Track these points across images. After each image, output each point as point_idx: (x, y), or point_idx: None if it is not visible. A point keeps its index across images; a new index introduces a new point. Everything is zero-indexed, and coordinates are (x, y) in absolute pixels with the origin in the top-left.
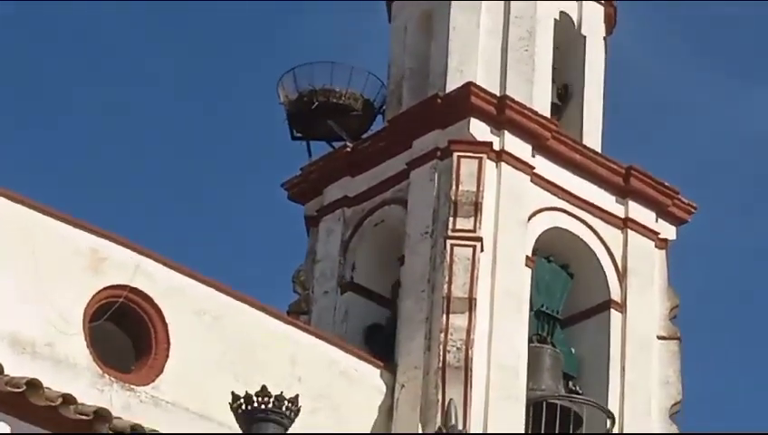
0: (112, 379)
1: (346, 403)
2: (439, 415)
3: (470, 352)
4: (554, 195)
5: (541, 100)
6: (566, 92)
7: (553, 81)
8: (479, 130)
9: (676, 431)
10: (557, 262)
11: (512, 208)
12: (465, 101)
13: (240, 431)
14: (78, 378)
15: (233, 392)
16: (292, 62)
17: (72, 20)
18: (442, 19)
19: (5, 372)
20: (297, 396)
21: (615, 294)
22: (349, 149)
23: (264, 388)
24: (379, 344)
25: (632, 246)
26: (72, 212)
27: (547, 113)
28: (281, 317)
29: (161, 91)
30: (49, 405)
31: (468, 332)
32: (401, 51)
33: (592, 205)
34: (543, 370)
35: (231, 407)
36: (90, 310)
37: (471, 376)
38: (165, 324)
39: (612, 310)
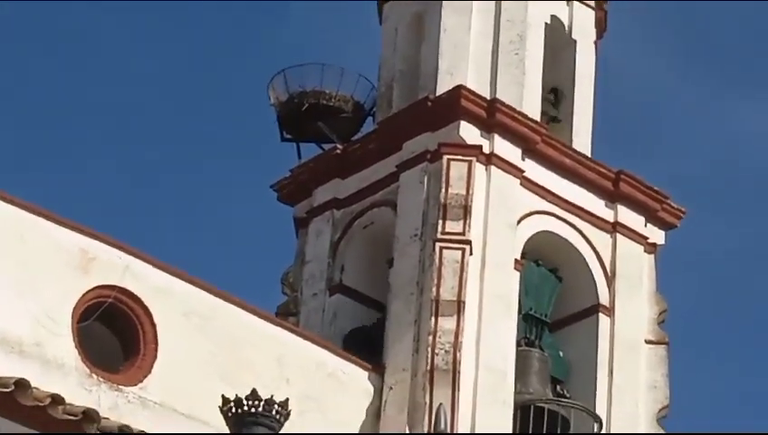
0: (100, 379)
1: (334, 405)
2: (427, 417)
3: (458, 354)
4: (544, 198)
5: (531, 103)
6: (556, 96)
7: (543, 85)
8: (469, 133)
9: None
10: (546, 265)
11: (501, 212)
12: (456, 104)
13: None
14: (66, 378)
15: (223, 396)
16: (282, 63)
17: (60, 20)
18: (433, 21)
19: None
20: (287, 400)
21: (603, 299)
22: (338, 151)
23: (254, 391)
24: (366, 346)
25: (621, 250)
26: (60, 212)
27: (537, 117)
28: (269, 319)
29: (151, 91)
30: (37, 405)
31: (457, 335)
32: (392, 53)
33: (581, 209)
34: (531, 373)
35: (221, 410)
36: (78, 310)
37: (459, 379)
38: (153, 325)
39: (601, 314)
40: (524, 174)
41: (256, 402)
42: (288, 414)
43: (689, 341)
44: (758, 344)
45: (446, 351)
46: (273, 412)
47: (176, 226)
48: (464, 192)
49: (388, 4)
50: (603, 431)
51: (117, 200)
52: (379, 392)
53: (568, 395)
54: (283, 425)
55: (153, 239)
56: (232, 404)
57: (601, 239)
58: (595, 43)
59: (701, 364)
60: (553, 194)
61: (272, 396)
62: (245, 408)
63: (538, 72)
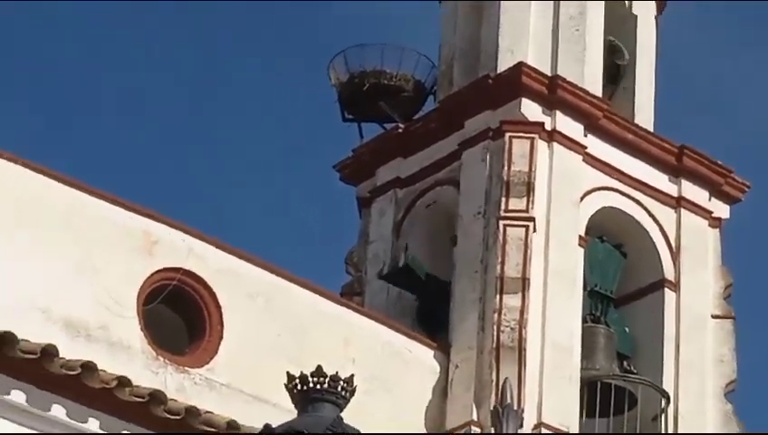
0: (167, 361)
1: (400, 384)
2: (493, 395)
3: (524, 331)
4: (607, 174)
5: (592, 79)
6: (618, 72)
7: (605, 60)
8: (531, 110)
9: (731, 411)
10: (610, 241)
11: (564, 188)
12: (517, 82)
13: (295, 412)
14: (132, 360)
15: (288, 372)
16: (343, 44)
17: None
18: None
19: (60, 355)
20: (352, 376)
21: (668, 274)
22: (400, 131)
23: (319, 368)
24: (431, 325)
25: (685, 225)
26: (123, 195)
27: (599, 93)
28: (334, 299)
29: (215, 73)
30: (104, 387)
31: (522, 312)
32: (452, 32)
33: (645, 184)
34: (597, 349)
35: (286, 387)
36: (143, 293)
37: (525, 356)
38: (218, 307)
39: (666, 289)
40: (587, 150)
41: (322, 379)
42: (354, 390)
43: (756, 315)
44: None
45: (511, 328)
46: (339, 389)
47: (239, 207)
48: (526, 169)
49: None
50: (671, 406)
51: (180, 183)
52: (445, 371)
53: (634, 371)
54: (348, 401)
55: (217, 221)
56: (297, 381)
57: (665, 214)
58: (656, 17)
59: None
60: (616, 170)
61: (336, 372)
62: (311, 384)
63: (599, 48)
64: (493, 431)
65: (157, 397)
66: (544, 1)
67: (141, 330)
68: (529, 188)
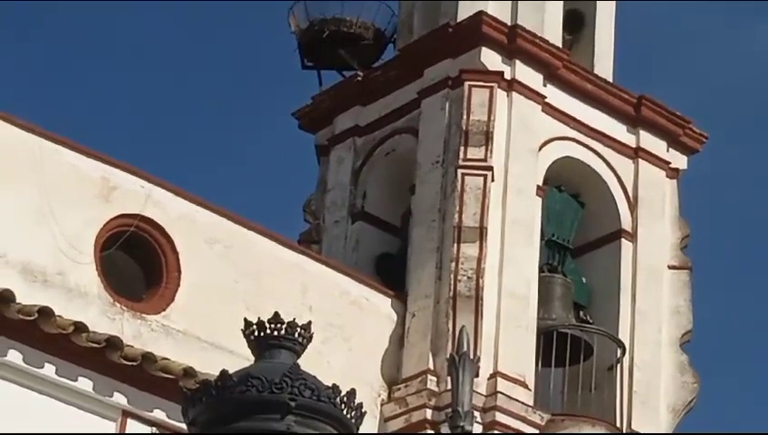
0: (123, 308)
1: (357, 332)
2: (450, 344)
3: (481, 281)
4: (565, 124)
5: (552, 29)
6: (577, 22)
7: (564, 10)
8: (490, 59)
9: (687, 361)
10: (568, 191)
11: (523, 138)
12: (477, 31)
13: (252, 359)
14: (89, 306)
15: (245, 319)
16: None
17: None
18: None
19: (17, 301)
20: (310, 323)
21: (626, 224)
22: (359, 79)
23: (276, 314)
24: (389, 274)
25: (643, 175)
26: (82, 141)
27: (558, 43)
28: (292, 246)
29: (173, 19)
30: (61, 333)
31: (479, 261)
32: None
33: (603, 134)
34: (554, 299)
35: (243, 333)
36: (101, 239)
37: (482, 305)
38: (176, 253)
39: (623, 239)
40: (546, 100)
41: (279, 326)
42: (311, 337)
43: (712, 266)
44: None
45: (468, 277)
46: (296, 335)
47: (197, 154)
48: (485, 118)
49: None
50: (626, 356)
51: (138, 129)
52: (402, 319)
53: (591, 321)
54: (305, 348)
55: (175, 168)
56: (254, 327)
57: (623, 164)
58: None
59: (724, 289)
60: (575, 120)
61: (294, 319)
62: (268, 331)
63: None
64: (449, 380)
65: (113, 343)
66: None
67: (98, 276)
68: (488, 138)
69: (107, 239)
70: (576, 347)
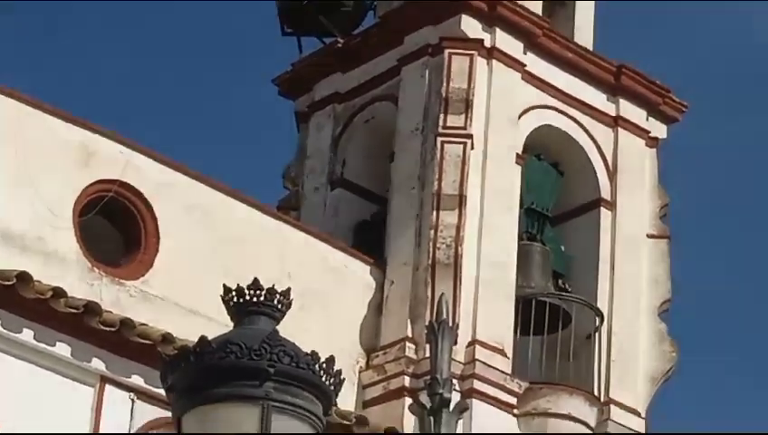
0: (102, 273)
1: (335, 299)
2: (428, 311)
3: (460, 248)
4: (545, 93)
5: None
6: None
7: None
8: (471, 26)
9: (665, 330)
10: (547, 160)
11: (502, 106)
12: None
13: (230, 326)
14: (68, 272)
15: (224, 285)
16: None
17: None
18: None
19: None
20: (289, 289)
21: (605, 193)
22: (339, 45)
23: (255, 281)
24: (368, 241)
25: (622, 144)
26: (61, 105)
27: (539, 11)
28: (271, 213)
29: None
30: (39, 298)
31: (458, 228)
32: None
33: (583, 103)
34: (533, 267)
35: (222, 299)
36: (79, 204)
37: (461, 273)
38: (155, 219)
39: (602, 208)
40: (526, 68)
41: (258, 292)
42: (290, 304)
43: (691, 235)
44: (760, 236)
45: (447, 245)
46: (275, 302)
47: (177, 120)
48: (465, 86)
49: None
50: (605, 325)
51: (117, 94)
52: (380, 286)
53: (569, 289)
54: (284, 314)
55: (154, 134)
56: (233, 293)
57: (603, 133)
58: None
59: (702, 258)
60: (555, 88)
61: (273, 285)
62: (247, 297)
63: None
64: (427, 347)
65: (92, 308)
66: None
67: (77, 241)
68: (467, 105)
69: (86, 205)
70: (554, 315)
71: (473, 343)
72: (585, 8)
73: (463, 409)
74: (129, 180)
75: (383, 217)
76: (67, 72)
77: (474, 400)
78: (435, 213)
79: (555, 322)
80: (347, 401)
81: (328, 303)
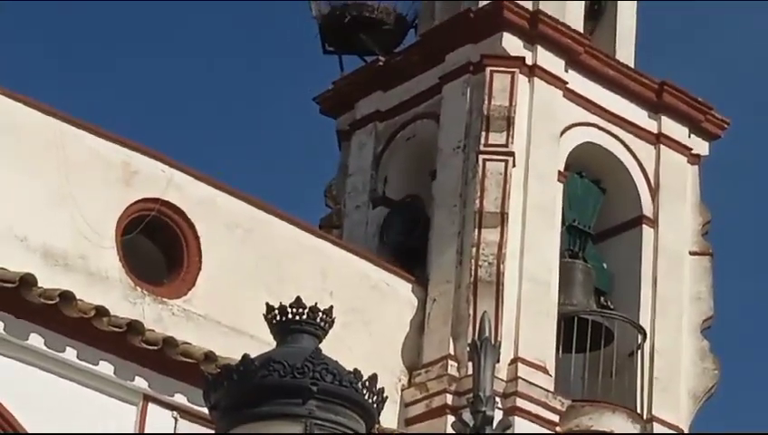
0: (145, 292)
1: (377, 317)
2: (470, 329)
3: (502, 266)
4: (587, 110)
5: (574, 14)
6: (599, 7)
7: None
8: (512, 44)
9: (707, 347)
10: (589, 177)
11: (544, 123)
12: (498, 16)
13: (272, 344)
14: (110, 291)
15: (267, 303)
16: None
17: None
18: None
19: (39, 285)
20: (331, 307)
21: (647, 210)
22: (381, 64)
23: (298, 299)
24: (410, 259)
25: (664, 161)
26: (103, 124)
27: (580, 28)
28: (313, 231)
29: (195, 4)
30: (82, 317)
31: (500, 246)
32: None
33: (625, 120)
34: (575, 285)
35: (265, 317)
36: (122, 223)
37: (503, 290)
38: (197, 238)
39: (644, 225)
40: (567, 85)
41: (301, 310)
42: (332, 322)
43: (733, 252)
44: None
45: (489, 262)
46: (318, 320)
47: (219, 139)
48: (507, 104)
49: None
50: (647, 343)
51: (159, 114)
52: (422, 305)
53: (611, 307)
54: (327, 333)
55: (196, 152)
56: (276, 311)
57: (645, 150)
58: None
59: (745, 275)
60: (596, 105)
61: (315, 304)
62: (290, 315)
63: None
64: (470, 365)
65: (134, 327)
66: None
67: (120, 260)
68: (509, 123)
69: (128, 223)
70: (597, 333)
71: (515, 360)
72: (626, 24)
73: (506, 426)
74: (170, 199)
75: (425, 236)
76: (109, 92)
77: (516, 417)
78: (477, 231)
79: (597, 339)
80: (389, 419)
81: (370, 321)
